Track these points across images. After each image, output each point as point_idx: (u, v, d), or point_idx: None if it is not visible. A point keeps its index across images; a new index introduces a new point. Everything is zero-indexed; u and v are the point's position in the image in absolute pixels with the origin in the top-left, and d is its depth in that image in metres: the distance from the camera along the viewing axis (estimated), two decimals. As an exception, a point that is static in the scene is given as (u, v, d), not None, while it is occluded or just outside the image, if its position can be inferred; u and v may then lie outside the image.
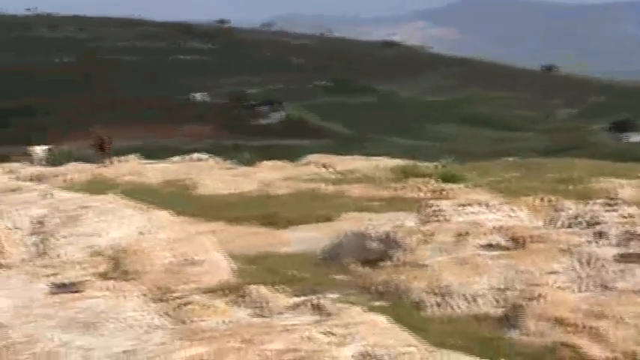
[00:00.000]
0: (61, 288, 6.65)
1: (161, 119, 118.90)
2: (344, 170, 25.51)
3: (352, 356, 5.13)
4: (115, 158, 33.29)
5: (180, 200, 16.37)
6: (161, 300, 6.15)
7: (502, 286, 8.48)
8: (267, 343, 5.09)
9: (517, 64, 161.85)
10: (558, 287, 8.42)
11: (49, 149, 35.30)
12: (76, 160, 31.57)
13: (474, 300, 8.36)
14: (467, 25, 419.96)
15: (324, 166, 27.86)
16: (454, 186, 19.09)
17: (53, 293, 6.49)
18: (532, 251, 9.17)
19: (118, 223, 10.06)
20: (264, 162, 30.97)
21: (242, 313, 6.15)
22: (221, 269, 9.51)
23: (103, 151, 35.37)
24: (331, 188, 19.12)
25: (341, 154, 34.64)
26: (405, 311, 7.98)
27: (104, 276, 8.33)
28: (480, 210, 10.90)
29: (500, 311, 8.15)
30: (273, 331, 5.37)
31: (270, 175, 23.39)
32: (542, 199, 13.84)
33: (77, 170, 23.57)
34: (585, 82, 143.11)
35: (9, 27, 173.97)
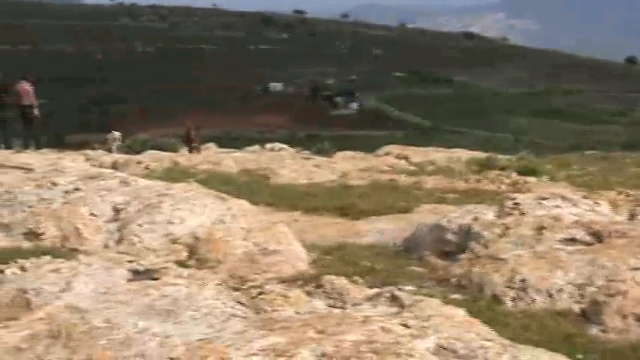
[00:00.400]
0: (139, 275, 6.70)
1: (239, 109, 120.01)
2: (420, 162, 25.42)
3: (428, 349, 5.07)
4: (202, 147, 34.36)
5: (256, 189, 16.45)
6: (237, 289, 6.15)
7: (582, 281, 8.32)
8: (343, 334, 5.06)
9: (596, 55, 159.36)
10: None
11: (126, 137, 36.21)
12: (152, 147, 32.19)
13: (554, 295, 8.22)
14: (544, 16, 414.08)
15: (401, 157, 27.81)
16: (533, 179, 18.87)
17: (131, 280, 6.54)
18: (613, 246, 8.98)
19: (196, 212, 10.13)
20: (341, 152, 31.05)
21: (318, 304, 6.12)
22: (298, 259, 9.53)
23: (190, 142, 36.45)
24: (408, 180, 19.02)
25: (417, 145, 34.58)
26: (482, 305, 7.90)
27: (181, 264, 8.39)
28: (560, 203, 10.70)
29: (579, 307, 8.00)
30: (349, 322, 5.33)
31: (346, 166, 23.40)
32: (623, 194, 13.53)
33: (154, 159, 23.87)
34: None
35: (95, 17, 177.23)
